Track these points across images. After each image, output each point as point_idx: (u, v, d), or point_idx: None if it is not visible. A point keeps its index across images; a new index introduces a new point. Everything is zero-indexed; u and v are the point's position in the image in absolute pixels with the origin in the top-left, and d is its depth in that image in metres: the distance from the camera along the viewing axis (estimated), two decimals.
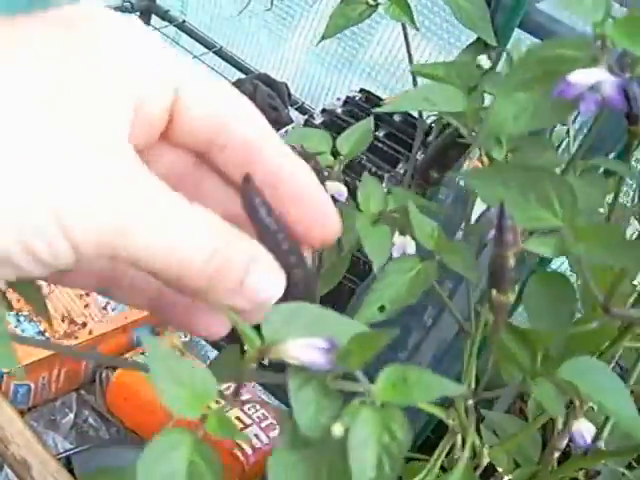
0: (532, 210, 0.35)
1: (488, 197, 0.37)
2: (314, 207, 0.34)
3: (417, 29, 0.53)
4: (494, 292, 0.34)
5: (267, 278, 0.31)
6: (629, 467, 0.52)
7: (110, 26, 0.30)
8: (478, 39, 0.55)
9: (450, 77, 0.47)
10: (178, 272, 0.29)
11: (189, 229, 0.29)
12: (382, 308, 0.41)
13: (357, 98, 1.26)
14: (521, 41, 0.57)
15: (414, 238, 0.45)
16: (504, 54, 0.53)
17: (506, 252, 0.33)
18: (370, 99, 1.26)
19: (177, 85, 0.31)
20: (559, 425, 0.44)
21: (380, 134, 1.14)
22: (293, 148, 0.42)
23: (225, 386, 0.29)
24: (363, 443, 0.27)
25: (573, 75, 0.32)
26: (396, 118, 1.19)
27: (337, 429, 0.27)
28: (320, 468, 0.28)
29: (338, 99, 1.25)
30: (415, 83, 0.56)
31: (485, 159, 0.43)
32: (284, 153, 0.34)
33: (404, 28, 0.54)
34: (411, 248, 0.45)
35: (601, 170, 0.46)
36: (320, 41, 0.53)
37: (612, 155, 0.49)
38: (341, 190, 0.48)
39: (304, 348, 0.28)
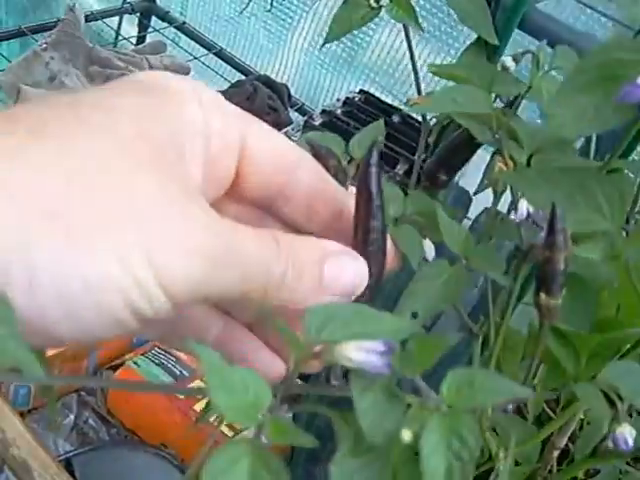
0: (580, 212, 0.35)
1: (535, 200, 0.37)
2: None
3: (422, 30, 0.53)
4: (542, 295, 0.34)
5: (344, 265, 0.33)
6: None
7: (181, 91, 0.31)
8: (478, 39, 0.55)
9: (472, 78, 0.46)
10: (261, 295, 0.30)
11: (258, 254, 0.30)
12: (415, 315, 0.41)
13: (356, 99, 1.26)
14: (518, 42, 0.57)
15: (433, 241, 0.45)
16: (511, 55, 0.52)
17: (557, 255, 0.33)
18: (369, 100, 1.26)
19: (242, 143, 0.33)
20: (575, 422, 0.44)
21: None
22: (313, 147, 0.42)
23: None
24: (433, 450, 0.26)
25: None
26: (395, 119, 1.19)
27: (406, 435, 0.26)
28: (384, 474, 0.28)
29: (338, 100, 1.25)
30: (418, 87, 0.55)
31: (509, 161, 0.43)
32: (343, 195, 0.36)
33: (406, 30, 0.54)
34: (430, 251, 0.44)
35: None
36: (323, 45, 0.53)
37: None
38: None
39: (360, 350, 0.27)
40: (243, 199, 0.35)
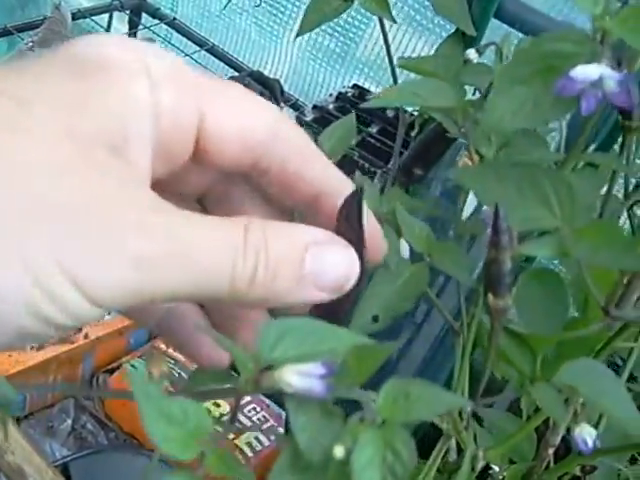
0: (529, 209, 0.34)
1: (484, 196, 0.36)
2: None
3: (395, 22, 0.52)
4: (490, 297, 0.33)
5: (329, 256, 0.29)
6: (632, 461, 0.52)
7: (124, 66, 0.28)
8: (456, 31, 0.55)
9: (438, 71, 0.46)
10: (229, 295, 0.27)
11: (215, 251, 0.27)
12: (376, 318, 0.40)
13: (349, 94, 1.25)
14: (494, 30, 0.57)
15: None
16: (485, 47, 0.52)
17: (502, 255, 0.32)
18: (362, 95, 1.26)
19: (201, 118, 0.30)
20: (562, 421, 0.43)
21: (373, 130, 1.13)
22: None
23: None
24: (367, 464, 0.25)
25: (575, 71, 0.31)
26: (389, 114, 1.19)
27: (338, 451, 0.25)
28: None
29: (330, 95, 1.24)
30: (394, 78, 0.55)
31: (475, 156, 0.42)
32: (328, 174, 0.33)
33: (381, 22, 0.53)
34: (405, 250, 0.44)
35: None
36: (296, 37, 0.52)
37: (592, 147, 0.48)
38: None
39: (300, 375, 0.26)
40: (212, 166, 0.32)
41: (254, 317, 0.34)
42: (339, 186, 0.32)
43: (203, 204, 0.35)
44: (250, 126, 0.31)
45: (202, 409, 0.25)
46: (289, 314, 0.33)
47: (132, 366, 1.04)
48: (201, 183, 0.34)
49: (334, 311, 0.31)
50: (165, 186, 0.31)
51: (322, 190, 0.32)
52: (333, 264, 0.29)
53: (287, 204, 0.34)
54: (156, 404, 0.25)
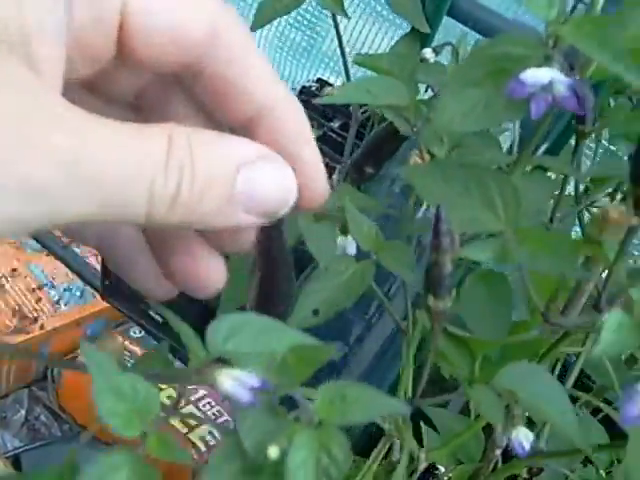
0: (474, 211, 0.34)
1: (427, 195, 0.36)
2: (299, 162, 0.28)
3: (348, 18, 0.52)
4: (431, 299, 0.33)
5: (263, 175, 0.26)
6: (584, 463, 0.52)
7: None
8: (412, 29, 0.55)
9: (393, 69, 0.45)
10: (145, 217, 0.24)
11: (132, 161, 0.23)
12: (316, 312, 0.40)
13: (313, 88, 1.24)
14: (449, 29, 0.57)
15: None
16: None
17: (443, 257, 0.32)
18: (326, 89, 1.25)
19: (123, 10, 0.26)
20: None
21: (335, 125, 1.12)
22: None
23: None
24: (301, 465, 0.25)
25: (526, 74, 0.31)
26: (351, 108, 1.18)
27: (273, 451, 0.25)
28: None
29: (293, 89, 1.24)
30: (347, 74, 0.55)
31: (426, 155, 0.42)
32: (271, 90, 0.29)
33: (334, 17, 0.53)
34: (352, 248, 0.44)
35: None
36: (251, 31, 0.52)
37: (542, 148, 0.49)
38: None
39: (233, 380, 0.26)
40: (139, 66, 0.28)
41: (191, 236, 0.31)
42: (282, 107, 0.29)
43: (136, 110, 0.32)
44: (184, 20, 0.27)
45: (153, 389, 0.25)
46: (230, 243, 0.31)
47: None
48: (131, 85, 0.30)
49: (267, 246, 0.30)
50: (91, 86, 0.29)
51: (262, 109, 0.28)
52: (267, 185, 0.26)
53: (223, 119, 0.30)
54: (108, 377, 0.25)
